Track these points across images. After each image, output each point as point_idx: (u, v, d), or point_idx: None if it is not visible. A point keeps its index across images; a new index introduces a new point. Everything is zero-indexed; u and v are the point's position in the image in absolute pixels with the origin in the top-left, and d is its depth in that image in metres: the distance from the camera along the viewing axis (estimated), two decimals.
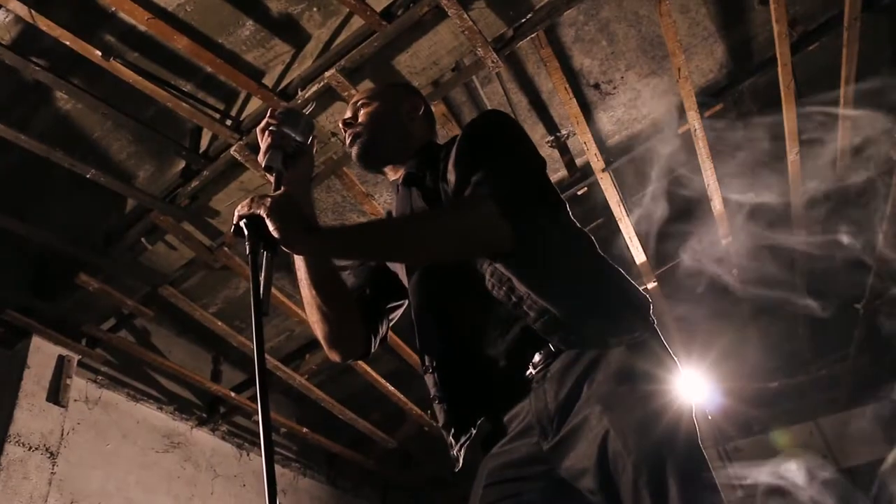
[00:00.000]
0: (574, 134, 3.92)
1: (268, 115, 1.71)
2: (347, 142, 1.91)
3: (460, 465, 1.62)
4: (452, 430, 1.62)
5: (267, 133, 1.67)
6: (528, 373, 1.52)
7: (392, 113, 1.94)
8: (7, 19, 3.13)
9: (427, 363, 1.69)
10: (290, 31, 3.36)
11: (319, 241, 1.46)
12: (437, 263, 1.70)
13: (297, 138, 1.70)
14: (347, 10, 3.16)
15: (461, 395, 1.63)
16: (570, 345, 1.48)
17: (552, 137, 4.07)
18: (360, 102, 1.95)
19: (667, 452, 1.34)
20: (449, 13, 3.00)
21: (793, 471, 5.58)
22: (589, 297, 1.51)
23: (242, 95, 3.53)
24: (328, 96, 3.29)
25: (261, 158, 1.65)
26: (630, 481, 1.32)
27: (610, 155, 4.10)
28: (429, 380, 1.69)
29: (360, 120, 1.91)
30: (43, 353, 3.94)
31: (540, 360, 1.51)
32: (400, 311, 1.93)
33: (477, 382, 1.60)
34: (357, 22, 3.19)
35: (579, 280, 1.54)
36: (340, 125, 1.94)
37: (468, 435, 1.60)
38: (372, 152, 1.89)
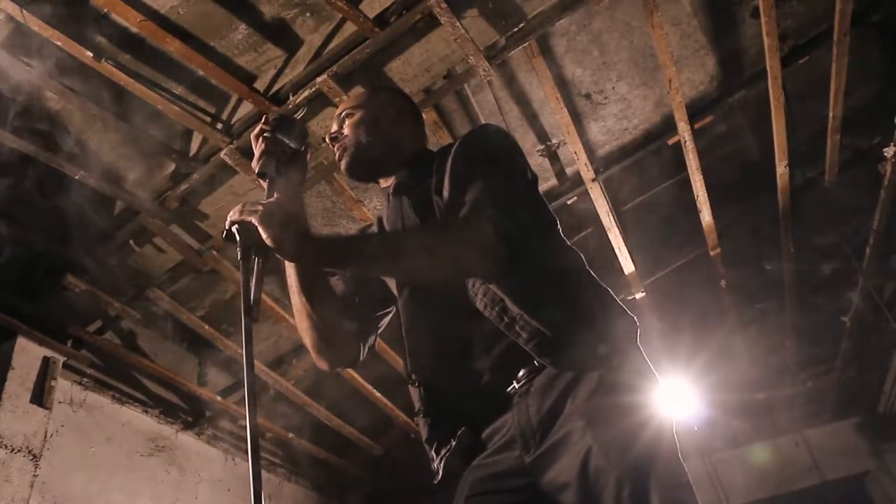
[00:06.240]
0: (565, 143, 3.93)
1: (262, 121, 1.70)
2: (336, 155, 1.90)
3: (440, 476, 1.62)
4: (435, 444, 1.62)
5: (261, 139, 1.67)
6: (511, 387, 1.52)
7: (378, 121, 1.91)
8: None
9: (413, 376, 1.69)
10: (283, 35, 3.35)
11: (311, 249, 1.46)
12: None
13: (291, 145, 1.70)
14: (340, 15, 3.16)
15: (444, 408, 1.62)
16: (561, 366, 1.47)
17: (543, 146, 4.07)
18: (344, 114, 1.92)
19: (649, 468, 1.35)
20: (441, 21, 3.01)
21: None
22: (580, 318, 1.50)
23: (234, 99, 3.52)
24: (319, 102, 3.29)
25: (254, 164, 1.65)
26: (612, 496, 1.33)
27: (600, 165, 4.12)
28: (414, 393, 1.69)
29: (345, 132, 1.89)
30: (28, 355, 3.89)
31: (524, 375, 1.51)
32: (388, 319, 1.92)
33: (460, 396, 1.59)
34: (350, 28, 3.19)
35: (571, 301, 1.53)
36: (328, 140, 1.92)
37: (448, 446, 1.59)
38: (361, 165, 1.88)
